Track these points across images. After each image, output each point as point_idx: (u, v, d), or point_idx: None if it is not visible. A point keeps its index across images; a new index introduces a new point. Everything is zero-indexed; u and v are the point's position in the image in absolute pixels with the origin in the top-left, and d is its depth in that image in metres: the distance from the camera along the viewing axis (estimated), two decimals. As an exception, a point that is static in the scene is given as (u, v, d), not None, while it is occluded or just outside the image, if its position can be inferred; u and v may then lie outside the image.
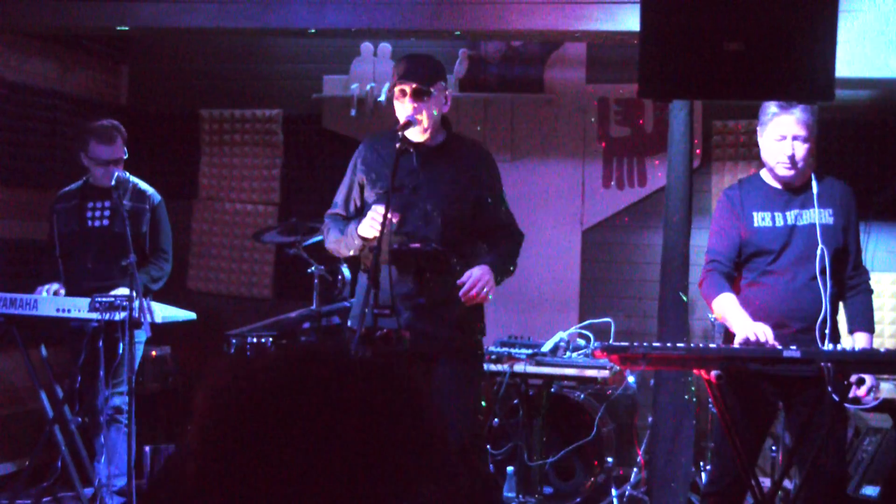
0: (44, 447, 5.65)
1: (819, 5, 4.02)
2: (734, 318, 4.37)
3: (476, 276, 4.45)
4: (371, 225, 4.35)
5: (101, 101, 7.77)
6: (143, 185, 6.03)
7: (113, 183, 5.66)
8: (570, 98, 7.40)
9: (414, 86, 4.49)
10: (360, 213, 4.63)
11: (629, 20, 5.54)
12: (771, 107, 4.52)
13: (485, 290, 4.47)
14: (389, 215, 4.23)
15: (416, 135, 4.53)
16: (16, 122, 6.94)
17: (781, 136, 4.48)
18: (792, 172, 4.50)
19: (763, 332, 4.18)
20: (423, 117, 4.51)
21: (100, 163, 5.85)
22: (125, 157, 5.94)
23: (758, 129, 4.61)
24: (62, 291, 5.65)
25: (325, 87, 7.72)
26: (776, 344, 4.15)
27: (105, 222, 5.86)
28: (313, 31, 6.20)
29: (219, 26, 6.21)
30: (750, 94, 4.39)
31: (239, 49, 7.85)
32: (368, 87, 7.51)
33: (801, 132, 4.47)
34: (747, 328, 4.24)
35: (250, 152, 7.91)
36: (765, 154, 4.58)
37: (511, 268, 4.70)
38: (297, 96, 7.76)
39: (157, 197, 6.04)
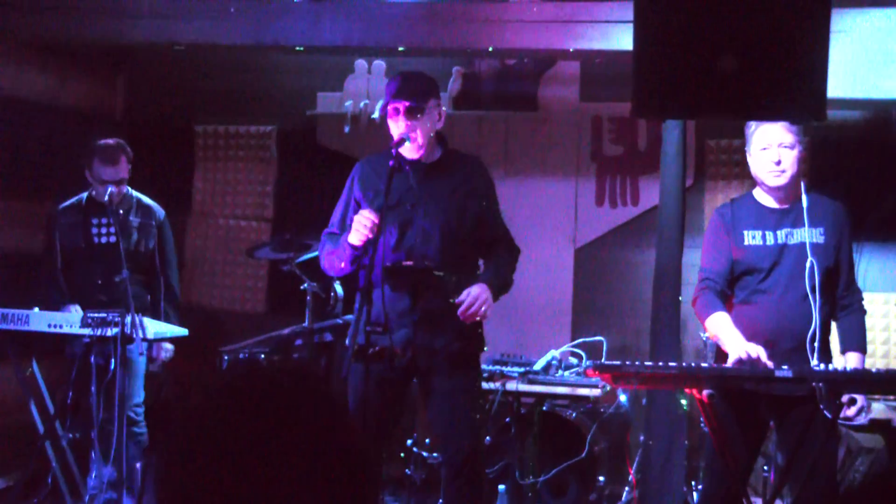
0: (35, 462, 5.64)
1: (811, 26, 4.04)
2: (727, 337, 4.37)
3: (474, 295, 4.46)
4: (357, 230, 4.35)
5: (96, 114, 7.77)
6: (147, 199, 6.08)
7: (106, 198, 5.67)
8: (564, 116, 7.42)
9: (407, 104, 4.50)
10: None
11: (623, 39, 5.56)
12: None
13: (483, 308, 4.48)
14: (373, 233, 4.27)
15: (411, 152, 4.54)
16: (12, 134, 6.94)
17: (767, 144, 4.50)
18: (781, 181, 4.50)
19: (756, 352, 4.19)
20: (417, 135, 4.52)
21: (102, 183, 5.87)
22: (128, 177, 5.96)
23: (746, 147, 4.63)
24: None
25: (319, 104, 7.73)
26: (769, 363, 4.16)
27: (111, 239, 5.86)
28: (307, 48, 6.22)
29: (214, 42, 6.23)
30: (743, 113, 4.41)
31: (234, 65, 7.86)
32: (362, 103, 7.52)
33: (787, 139, 4.48)
34: (740, 348, 4.24)
35: (244, 168, 7.92)
36: (754, 168, 4.59)
37: (508, 283, 4.71)
38: (291, 112, 7.77)
39: (162, 211, 6.11)
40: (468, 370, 4.64)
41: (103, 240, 5.92)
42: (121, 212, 5.84)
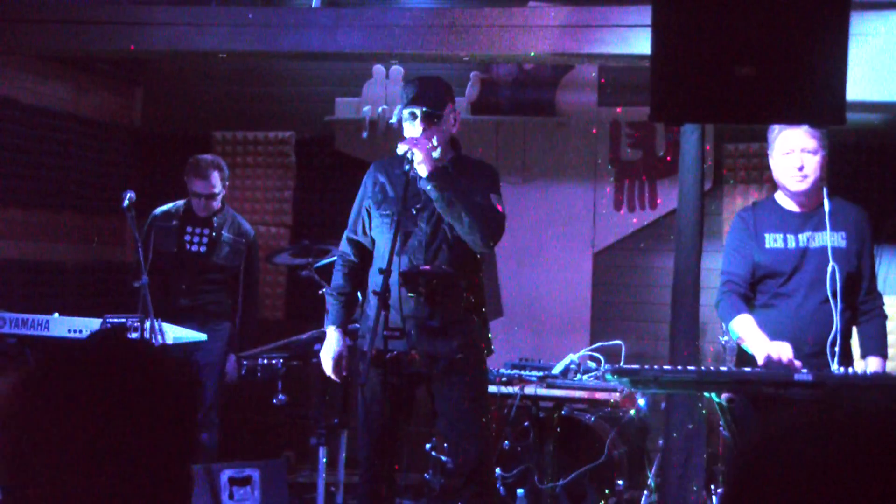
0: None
1: (830, 29, 4.03)
2: (752, 338, 4.36)
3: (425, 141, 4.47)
4: (325, 366, 4.72)
5: (114, 123, 7.82)
6: (241, 219, 6.49)
7: (216, 223, 6.25)
8: (582, 121, 7.42)
9: (424, 109, 4.51)
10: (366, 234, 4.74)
11: (641, 44, 5.55)
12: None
13: (418, 146, 4.41)
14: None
15: (420, 169, 4.51)
16: (30, 145, 6.98)
17: (790, 149, 4.49)
18: (803, 185, 4.49)
19: (784, 352, 4.18)
20: (436, 139, 4.52)
21: (195, 195, 6.31)
22: (224, 189, 6.41)
23: (768, 151, 4.62)
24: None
25: (337, 110, 7.75)
26: (796, 362, 4.15)
27: (203, 249, 6.26)
28: (324, 54, 6.24)
29: (232, 49, 6.25)
30: (761, 117, 4.40)
31: (252, 72, 7.89)
32: (380, 109, 7.54)
33: (810, 144, 4.47)
34: (767, 348, 4.23)
35: (263, 174, 7.94)
36: (776, 172, 4.58)
37: (468, 214, 4.45)
38: (309, 119, 7.79)
39: (252, 232, 6.53)
40: (475, 376, 4.64)
41: (194, 248, 6.26)
42: (215, 224, 6.28)
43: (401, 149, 4.44)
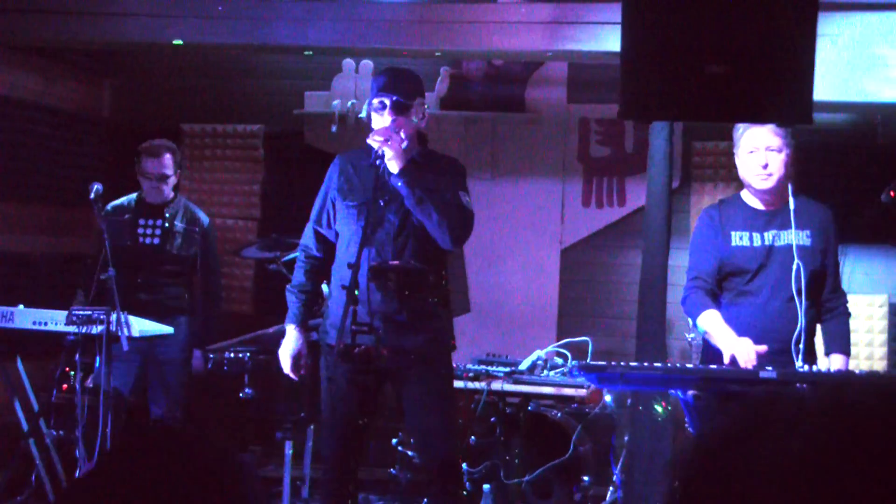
0: (19, 460, 5.62)
1: (799, 29, 4.06)
2: (719, 334, 4.40)
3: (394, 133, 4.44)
4: (283, 364, 4.69)
5: (83, 114, 7.76)
6: (194, 207, 6.32)
7: (167, 214, 6.01)
8: (551, 117, 7.44)
9: (394, 98, 4.51)
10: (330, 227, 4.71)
11: (610, 41, 5.57)
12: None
13: (391, 143, 4.39)
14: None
15: (392, 165, 4.50)
16: (-3, 135, 6.93)
17: (754, 147, 4.52)
18: (768, 183, 4.52)
19: (747, 350, 4.22)
20: (404, 130, 4.51)
21: (146, 177, 6.15)
22: (175, 175, 6.25)
23: (734, 149, 4.65)
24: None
25: (306, 103, 7.72)
26: (757, 357, 4.20)
27: (156, 240, 6.11)
28: (295, 48, 6.22)
29: (202, 42, 6.22)
30: (730, 116, 4.43)
31: (221, 64, 7.85)
32: (350, 103, 7.52)
33: (774, 142, 4.50)
34: (732, 345, 4.27)
35: (231, 167, 7.91)
36: (741, 170, 4.62)
37: (437, 213, 4.44)
38: (278, 112, 7.76)
39: (206, 219, 6.34)
40: (440, 372, 4.64)
41: (148, 241, 6.12)
42: (167, 214, 6.12)
43: (373, 143, 4.43)
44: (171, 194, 6.25)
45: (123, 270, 5.94)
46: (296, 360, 4.68)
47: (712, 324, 4.45)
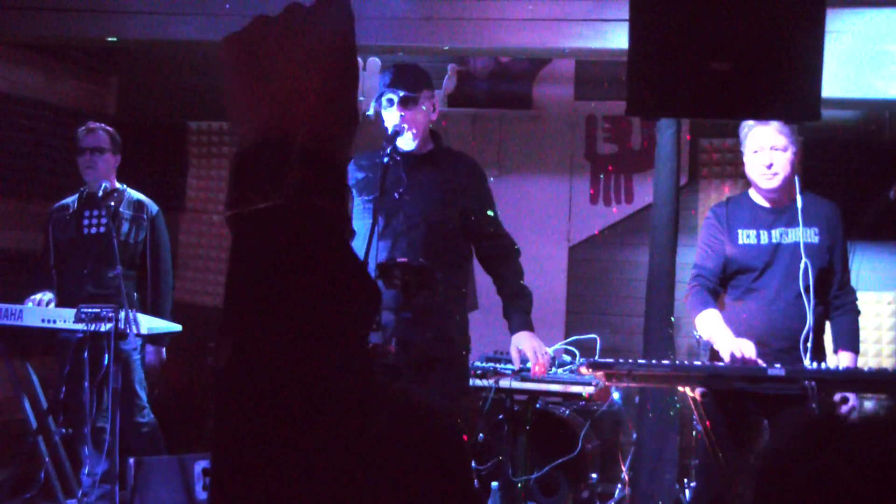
0: (27, 458, 5.63)
1: (807, 26, 4.05)
2: (717, 334, 4.39)
3: (533, 349, 4.62)
4: None
5: (88, 111, 7.76)
6: (140, 195, 6.08)
7: (100, 194, 5.69)
8: (558, 114, 7.43)
9: (401, 94, 4.52)
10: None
11: (618, 38, 5.56)
12: (748, 121, 4.56)
13: (545, 356, 4.65)
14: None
15: (406, 142, 4.55)
16: (1, 132, 6.93)
17: (759, 147, 4.52)
18: (773, 183, 4.52)
19: (747, 349, 4.21)
20: (412, 124, 4.53)
21: (82, 151, 5.94)
22: (114, 157, 6.02)
23: (741, 147, 4.65)
24: (52, 302, 5.65)
25: (313, 101, 7.72)
26: (759, 360, 4.18)
27: (101, 230, 5.87)
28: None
29: (208, 39, 6.22)
30: (737, 113, 4.42)
31: (228, 62, 7.84)
32: (357, 100, 7.52)
33: (779, 141, 4.49)
34: (730, 345, 4.26)
35: (238, 165, 7.90)
36: (748, 169, 4.61)
37: (529, 294, 4.79)
38: (285, 109, 7.75)
39: (155, 207, 6.09)
40: (450, 370, 4.64)
41: (93, 230, 5.92)
42: (111, 204, 5.87)
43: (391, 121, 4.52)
44: (112, 178, 6.03)
45: (71, 263, 5.88)
46: None
47: (711, 323, 4.45)
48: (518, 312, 4.72)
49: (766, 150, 4.50)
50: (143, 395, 5.82)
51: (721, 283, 4.63)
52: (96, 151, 5.95)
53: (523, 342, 4.60)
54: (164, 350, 5.97)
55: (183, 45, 6.66)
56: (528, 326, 4.65)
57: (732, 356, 4.21)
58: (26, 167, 7.14)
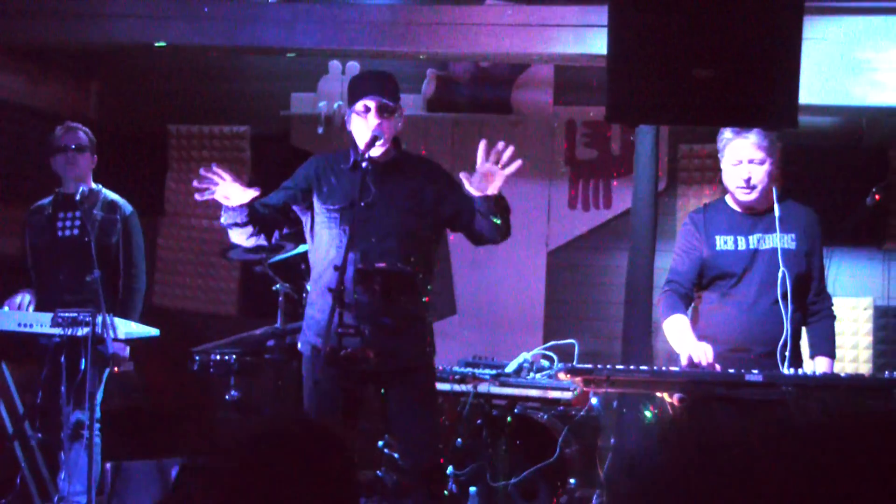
0: (3, 463, 5.59)
1: (784, 34, 4.07)
2: (679, 339, 4.43)
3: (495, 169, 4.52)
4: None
5: (69, 115, 7.70)
6: (114, 196, 6.01)
7: (78, 198, 5.64)
8: (538, 120, 7.43)
9: (381, 101, 4.50)
10: (283, 214, 4.73)
11: (597, 43, 5.58)
12: (726, 132, 4.58)
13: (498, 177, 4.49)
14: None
15: (376, 150, 4.53)
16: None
17: (738, 160, 4.53)
18: (751, 196, 4.54)
19: (704, 354, 4.24)
20: (389, 132, 4.53)
21: (63, 150, 5.88)
22: (91, 159, 5.98)
23: (719, 154, 4.67)
24: (32, 304, 5.62)
25: (292, 105, 7.71)
26: (717, 365, 4.22)
27: (76, 232, 5.82)
28: (281, 49, 6.21)
29: (189, 43, 6.21)
30: (716, 120, 4.44)
31: (208, 66, 7.83)
32: (336, 105, 7.51)
33: (757, 155, 4.51)
34: (689, 349, 4.29)
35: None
36: (725, 178, 4.63)
37: (507, 222, 4.67)
38: (265, 113, 7.74)
39: (129, 208, 6.01)
40: (427, 375, 4.65)
41: (67, 233, 5.86)
42: (85, 206, 5.75)
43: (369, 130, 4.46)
44: (89, 178, 5.98)
45: (48, 266, 5.84)
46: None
47: (676, 328, 4.49)
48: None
49: (745, 164, 4.52)
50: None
51: (696, 289, 4.65)
52: (78, 150, 5.91)
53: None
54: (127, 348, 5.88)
55: (162, 50, 6.63)
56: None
57: (690, 360, 4.25)
58: (8, 171, 7.10)
